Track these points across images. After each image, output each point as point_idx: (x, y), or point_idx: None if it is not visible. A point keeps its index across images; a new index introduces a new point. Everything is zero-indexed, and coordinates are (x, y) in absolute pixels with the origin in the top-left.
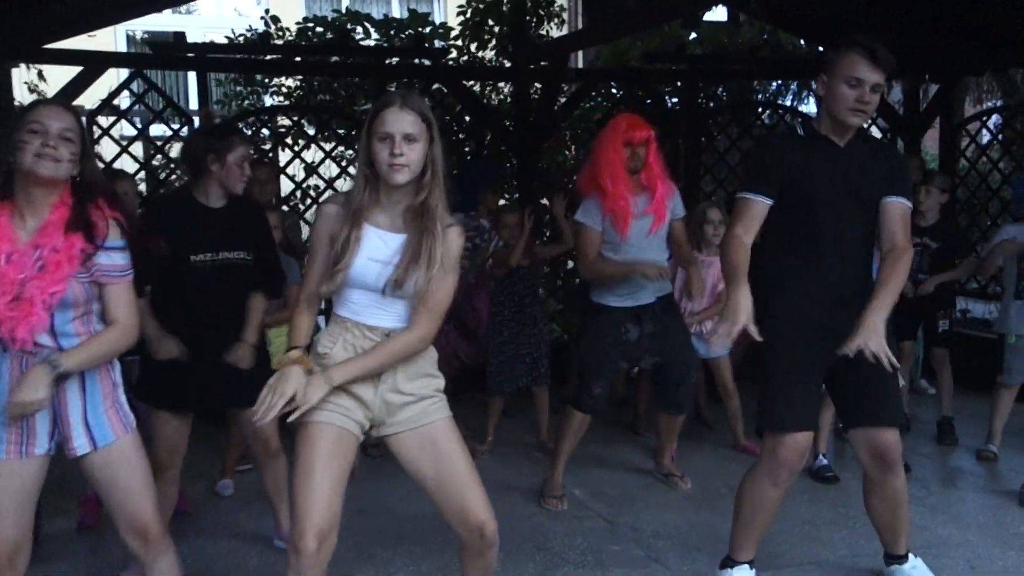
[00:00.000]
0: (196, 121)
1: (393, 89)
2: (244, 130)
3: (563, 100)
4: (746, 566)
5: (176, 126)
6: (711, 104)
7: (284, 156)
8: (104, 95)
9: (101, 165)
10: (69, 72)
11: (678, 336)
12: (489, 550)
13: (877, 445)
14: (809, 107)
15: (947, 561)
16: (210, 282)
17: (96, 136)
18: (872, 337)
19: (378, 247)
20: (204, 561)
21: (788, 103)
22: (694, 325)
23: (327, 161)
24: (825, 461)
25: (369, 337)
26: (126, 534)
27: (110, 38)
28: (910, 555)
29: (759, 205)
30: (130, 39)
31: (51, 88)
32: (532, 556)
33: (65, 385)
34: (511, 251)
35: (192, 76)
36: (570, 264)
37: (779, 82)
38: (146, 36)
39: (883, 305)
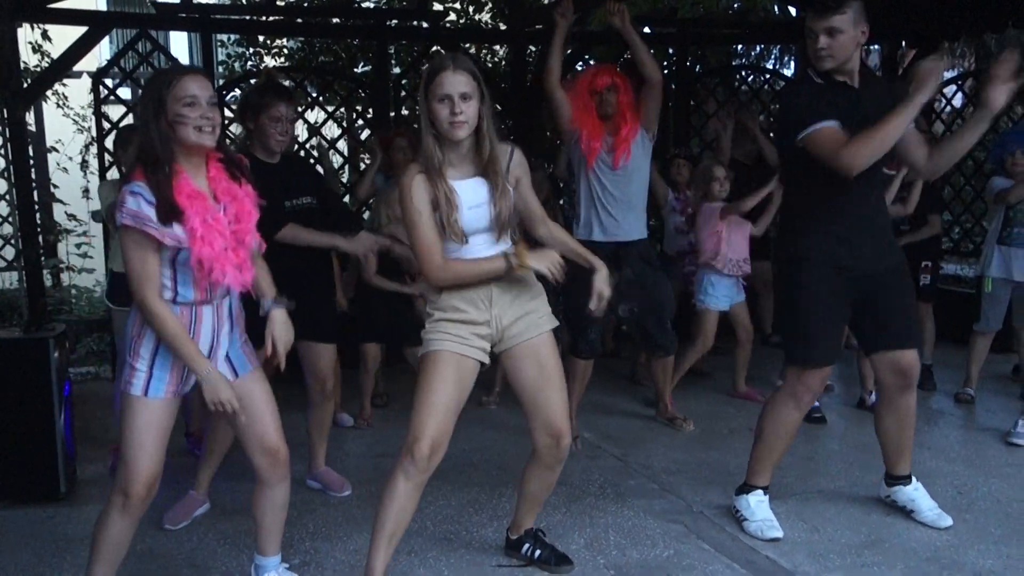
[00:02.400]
0: None
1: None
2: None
3: None
4: (761, 491)
5: None
6: (699, 67)
7: None
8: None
9: (107, 126)
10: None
11: (656, 281)
12: (558, 465)
13: (901, 364)
14: (790, 70)
15: (937, 488)
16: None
17: (102, 97)
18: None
19: (471, 195)
20: (241, 500)
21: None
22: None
23: (328, 122)
24: (816, 403)
25: None
26: (257, 455)
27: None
28: (912, 478)
29: (832, 127)
30: None
31: (55, 49)
32: (555, 490)
33: (225, 321)
34: None
35: (183, 38)
36: None
37: (760, 46)
38: None
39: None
